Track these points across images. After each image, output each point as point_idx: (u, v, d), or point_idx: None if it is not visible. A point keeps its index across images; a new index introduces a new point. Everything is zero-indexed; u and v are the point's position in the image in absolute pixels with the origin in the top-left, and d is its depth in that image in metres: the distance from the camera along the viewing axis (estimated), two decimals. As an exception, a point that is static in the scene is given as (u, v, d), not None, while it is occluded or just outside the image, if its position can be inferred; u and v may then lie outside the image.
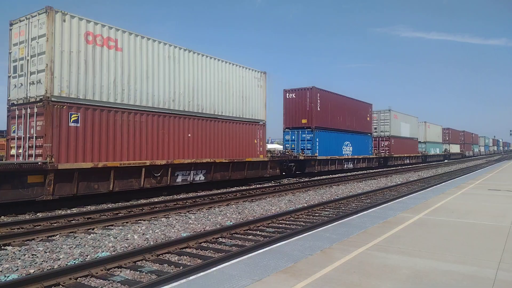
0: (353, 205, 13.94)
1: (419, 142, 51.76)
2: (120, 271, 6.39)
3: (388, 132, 40.46)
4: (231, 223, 10.44)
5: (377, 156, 37.75)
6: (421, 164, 47.74)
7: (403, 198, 12.93)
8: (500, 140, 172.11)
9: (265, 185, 20.67)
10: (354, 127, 33.01)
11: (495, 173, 25.11)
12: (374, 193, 17.36)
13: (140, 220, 10.80)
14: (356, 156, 32.97)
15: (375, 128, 39.75)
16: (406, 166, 42.42)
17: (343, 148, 31.10)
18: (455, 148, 69.84)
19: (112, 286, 5.77)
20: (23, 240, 8.35)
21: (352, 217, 9.14)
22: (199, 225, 10.15)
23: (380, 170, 35.23)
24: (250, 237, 8.94)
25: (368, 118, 36.25)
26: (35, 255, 7.22)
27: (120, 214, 11.53)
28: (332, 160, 29.32)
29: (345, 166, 31.19)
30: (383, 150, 39.94)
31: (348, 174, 29.93)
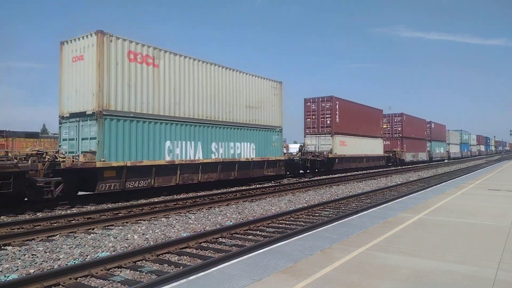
0: (353, 205, 13.94)
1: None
2: (120, 271, 6.39)
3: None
4: (231, 223, 10.43)
5: None
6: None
7: (403, 198, 12.93)
8: (495, 138, 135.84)
9: (265, 185, 20.67)
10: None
11: (495, 173, 25.11)
12: (374, 193, 17.36)
13: (140, 220, 10.80)
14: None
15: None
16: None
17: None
18: (365, 147, 35.38)
19: (112, 286, 5.77)
20: (23, 240, 8.35)
21: (352, 217, 9.14)
22: (199, 225, 10.15)
23: (381, 170, 35.18)
24: (250, 237, 8.94)
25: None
26: (35, 255, 7.22)
27: (120, 214, 11.54)
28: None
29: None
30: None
31: (348, 174, 29.99)
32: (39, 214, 11.55)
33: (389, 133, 45.58)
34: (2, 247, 7.81)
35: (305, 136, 31.89)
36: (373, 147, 37.77)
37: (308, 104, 32.14)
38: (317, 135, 31.23)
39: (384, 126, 43.33)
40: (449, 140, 66.63)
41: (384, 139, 42.64)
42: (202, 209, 12.75)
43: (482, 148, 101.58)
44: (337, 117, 31.30)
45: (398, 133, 45.49)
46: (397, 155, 43.55)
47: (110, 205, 13.42)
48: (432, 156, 54.84)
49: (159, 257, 7.13)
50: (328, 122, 30.86)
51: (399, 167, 40.15)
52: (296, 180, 23.71)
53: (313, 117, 31.51)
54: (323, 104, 31.27)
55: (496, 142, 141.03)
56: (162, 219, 10.99)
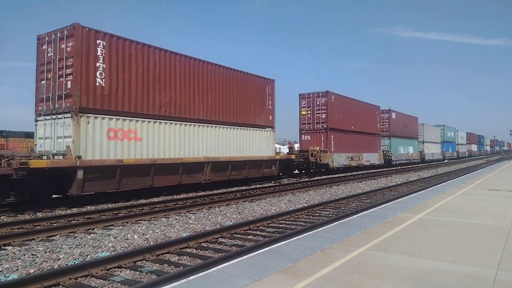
0: (353, 205, 13.94)
1: None
2: (120, 271, 6.39)
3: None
4: (231, 223, 10.44)
5: None
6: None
7: (403, 198, 12.93)
8: (495, 137, 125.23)
9: (265, 185, 20.66)
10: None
11: (495, 173, 25.11)
12: (374, 193, 17.36)
13: (140, 220, 10.81)
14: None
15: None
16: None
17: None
18: (216, 142, 18.63)
19: (112, 286, 5.77)
20: (23, 240, 8.35)
21: (352, 217, 9.14)
22: (199, 225, 10.15)
23: (380, 170, 35.06)
24: (250, 237, 8.94)
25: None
26: (35, 255, 7.23)
27: (120, 214, 11.54)
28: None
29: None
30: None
31: (348, 174, 29.85)
32: (39, 214, 11.55)
33: (309, 123, 28.97)
34: (2, 247, 7.81)
35: (36, 122, 14.61)
36: (247, 144, 21.05)
37: (43, 48, 14.26)
38: (52, 116, 13.94)
39: (302, 113, 29.34)
40: (424, 138, 50.45)
41: (303, 133, 29.19)
42: (202, 209, 12.76)
43: (474, 148, 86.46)
44: (100, 71, 14.05)
45: (322, 123, 28.31)
46: (313, 158, 26.44)
47: (110, 205, 13.42)
48: (391, 158, 39.23)
49: (159, 257, 7.13)
50: (69, 85, 13.46)
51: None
52: (296, 180, 23.67)
53: (48, 74, 14.17)
54: (62, 46, 13.74)
55: (492, 141, 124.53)
56: (162, 219, 10.99)
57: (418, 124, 49.54)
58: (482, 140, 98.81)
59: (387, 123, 40.43)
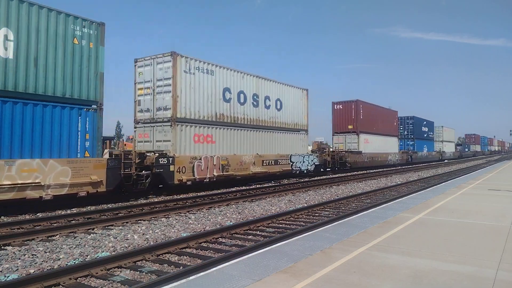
0: (353, 205, 13.94)
1: None
2: (120, 271, 6.39)
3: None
4: (231, 223, 10.43)
5: None
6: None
7: (403, 198, 12.92)
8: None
9: (265, 185, 20.67)
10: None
11: (495, 173, 25.11)
12: (374, 193, 17.36)
13: (140, 220, 10.81)
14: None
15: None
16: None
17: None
18: None
19: (112, 286, 5.77)
20: (23, 240, 8.35)
21: (352, 217, 9.14)
22: (199, 225, 10.15)
23: (380, 170, 35.13)
24: (250, 237, 8.94)
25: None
26: (35, 255, 7.23)
27: (120, 214, 11.54)
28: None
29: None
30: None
31: (348, 174, 30.02)
32: (39, 214, 11.54)
33: None
34: (2, 247, 7.81)
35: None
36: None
37: None
38: None
39: None
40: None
41: None
42: (202, 209, 12.75)
43: (391, 145, 40.81)
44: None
45: None
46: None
47: (110, 205, 13.42)
48: None
49: (159, 257, 7.13)
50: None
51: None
52: (296, 180, 23.69)
53: None
54: None
55: (469, 137, 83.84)
56: (162, 219, 10.99)
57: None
58: (429, 132, 50.54)
59: None
